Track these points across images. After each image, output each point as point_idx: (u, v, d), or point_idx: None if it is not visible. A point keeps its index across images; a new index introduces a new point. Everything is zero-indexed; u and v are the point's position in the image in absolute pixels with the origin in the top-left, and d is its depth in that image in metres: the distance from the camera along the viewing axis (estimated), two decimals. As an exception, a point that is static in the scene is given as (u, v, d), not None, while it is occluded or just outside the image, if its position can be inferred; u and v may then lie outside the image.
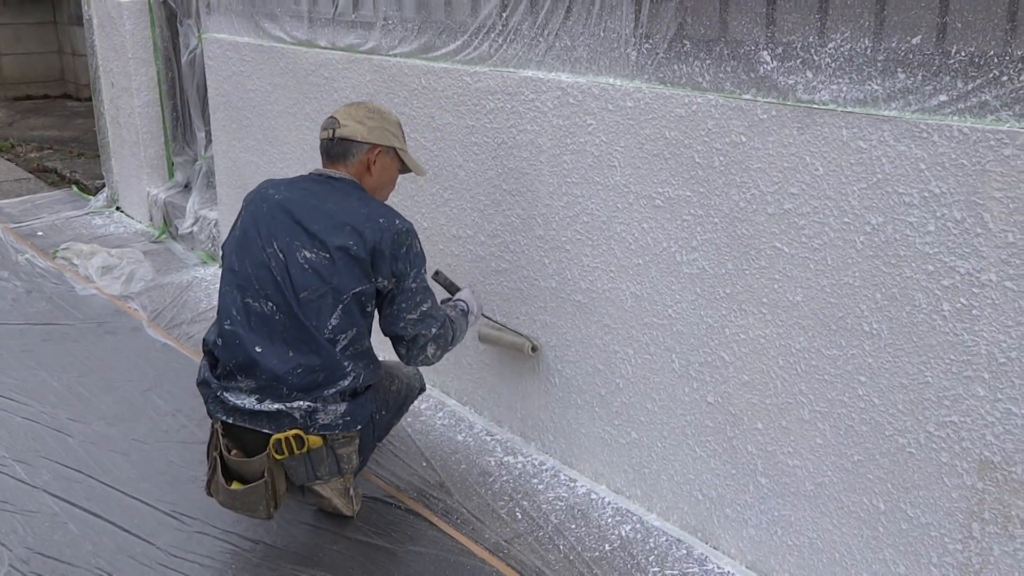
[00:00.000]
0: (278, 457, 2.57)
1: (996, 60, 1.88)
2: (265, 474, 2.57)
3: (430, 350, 2.75)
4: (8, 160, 7.82)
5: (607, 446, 2.94)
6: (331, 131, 2.73)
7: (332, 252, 2.56)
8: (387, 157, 2.77)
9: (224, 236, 4.90)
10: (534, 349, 3.07)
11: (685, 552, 2.66)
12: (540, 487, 2.98)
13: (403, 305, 2.66)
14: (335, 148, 2.73)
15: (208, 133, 5.13)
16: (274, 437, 2.55)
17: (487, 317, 3.20)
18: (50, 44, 11.08)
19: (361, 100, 2.88)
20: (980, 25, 1.90)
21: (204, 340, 2.72)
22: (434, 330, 2.72)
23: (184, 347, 4.07)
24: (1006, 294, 1.92)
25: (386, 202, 2.83)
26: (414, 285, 2.66)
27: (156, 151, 5.77)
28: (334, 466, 2.67)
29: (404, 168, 2.86)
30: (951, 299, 2.01)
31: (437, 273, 3.14)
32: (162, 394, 3.62)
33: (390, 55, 3.45)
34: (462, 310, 2.97)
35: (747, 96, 2.32)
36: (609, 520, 2.81)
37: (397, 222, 2.63)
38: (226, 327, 2.62)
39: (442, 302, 2.94)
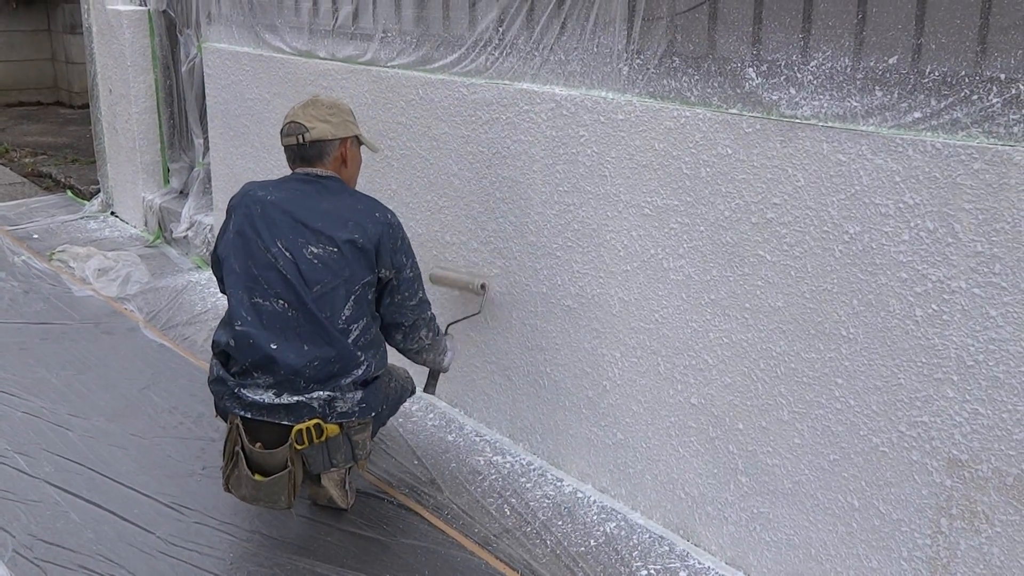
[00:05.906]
0: (299, 447, 2.64)
1: (967, 80, 2.00)
2: (288, 463, 2.64)
3: (422, 332, 2.92)
4: (2, 165, 7.86)
5: (593, 447, 3.03)
6: (300, 136, 2.78)
7: (340, 246, 2.66)
8: (354, 146, 2.89)
9: (220, 241, 4.99)
10: (483, 287, 3.21)
11: (667, 548, 2.75)
12: (528, 485, 3.07)
13: (405, 294, 2.80)
14: (310, 151, 2.80)
15: (206, 140, 5.21)
16: (296, 428, 2.63)
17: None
18: (44, 52, 11.13)
19: (311, 98, 2.90)
20: (953, 47, 2.02)
21: (215, 342, 2.75)
22: (428, 313, 2.92)
23: (180, 348, 4.14)
24: (974, 300, 2.03)
25: (356, 186, 2.98)
26: (411, 274, 2.82)
27: (152, 157, 5.85)
28: (349, 453, 2.74)
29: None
30: (923, 305, 2.12)
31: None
32: (159, 392, 3.69)
33: (388, 66, 3.55)
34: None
35: (733, 110, 2.43)
36: (594, 517, 2.90)
37: (389, 216, 2.78)
38: (238, 328, 2.65)
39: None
